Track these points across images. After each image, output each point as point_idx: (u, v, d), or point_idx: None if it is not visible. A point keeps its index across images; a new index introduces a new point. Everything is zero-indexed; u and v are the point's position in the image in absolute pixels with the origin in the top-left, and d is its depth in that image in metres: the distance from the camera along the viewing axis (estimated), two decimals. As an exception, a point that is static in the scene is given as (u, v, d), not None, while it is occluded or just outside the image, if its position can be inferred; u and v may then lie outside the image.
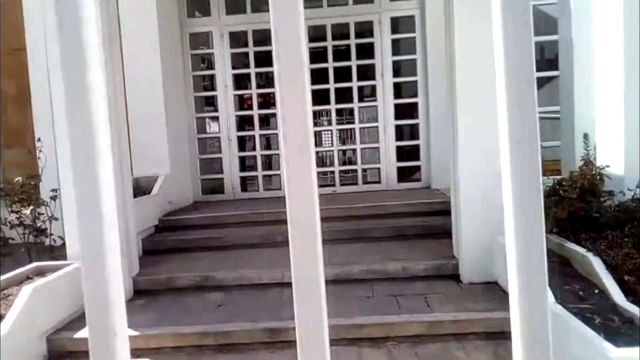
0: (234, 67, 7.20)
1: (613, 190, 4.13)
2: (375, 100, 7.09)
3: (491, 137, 4.09)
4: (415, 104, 7.03)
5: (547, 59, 8.17)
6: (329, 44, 6.99)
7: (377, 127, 7.11)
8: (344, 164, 7.47)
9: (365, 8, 6.95)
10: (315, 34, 6.92)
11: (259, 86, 7.32)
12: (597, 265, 3.39)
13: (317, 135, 7.30)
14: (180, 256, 5.09)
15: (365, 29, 7.08)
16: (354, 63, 7.04)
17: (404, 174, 7.16)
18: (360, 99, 7.21)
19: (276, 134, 7.32)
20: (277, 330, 3.56)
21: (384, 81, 7.01)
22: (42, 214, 4.85)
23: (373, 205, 5.74)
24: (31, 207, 4.78)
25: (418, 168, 7.13)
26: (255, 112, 7.28)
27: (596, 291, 3.27)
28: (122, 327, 0.51)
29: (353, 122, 7.20)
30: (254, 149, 7.38)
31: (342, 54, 7.08)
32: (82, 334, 3.63)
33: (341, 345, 3.39)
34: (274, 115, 7.37)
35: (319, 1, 6.91)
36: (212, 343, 3.57)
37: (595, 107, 4.91)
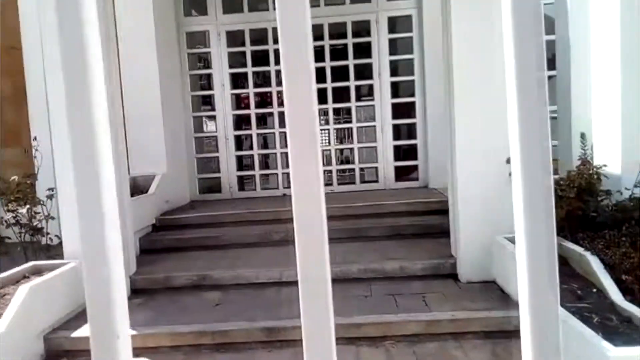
0: (231, 66, 7.19)
1: (610, 189, 4.14)
2: (372, 100, 7.09)
3: (490, 137, 4.11)
4: (412, 104, 7.03)
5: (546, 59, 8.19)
6: (326, 43, 6.98)
7: (374, 126, 7.11)
8: (342, 163, 7.47)
9: (363, 7, 6.94)
10: (313, 33, 6.88)
11: (256, 85, 7.31)
12: (595, 264, 3.39)
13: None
14: (178, 255, 5.08)
15: (362, 29, 7.07)
16: (351, 62, 7.03)
17: (402, 173, 7.16)
18: (358, 98, 7.20)
19: (273, 133, 7.32)
20: (274, 330, 3.55)
21: (382, 80, 7.01)
22: (39, 213, 4.83)
23: (371, 205, 5.74)
24: (27, 206, 4.76)
25: (415, 167, 7.13)
26: (253, 111, 7.27)
27: (594, 290, 3.27)
28: (124, 329, 0.50)
29: (350, 122, 7.20)
30: (251, 148, 7.37)
31: (339, 53, 7.07)
32: (79, 333, 3.62)
33: (339, 345, 3.36)
34: (271, 114, 7.36)
35: (316, 0, 6.90)
36: (210, 342, 3.56)
37: (593, 107, 4.92)
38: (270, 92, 7.28)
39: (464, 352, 3.30)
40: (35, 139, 5.19)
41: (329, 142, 7.37)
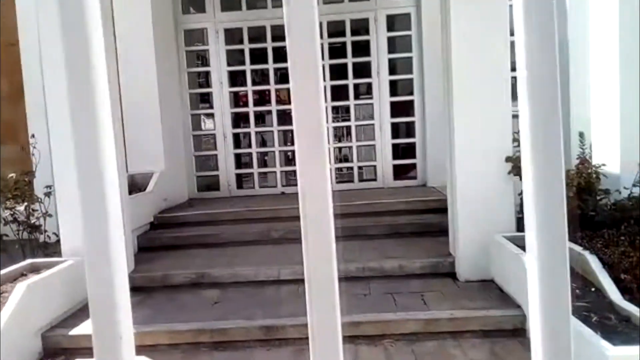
0: (229, 64, 7.17)
1: (609, 188, 4.15)
2: (371, 98, 7.07)
3: (490, 136, 4.11)
4: (411, 102, 7.03)
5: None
6: (325, 41, 6.97)
7: (373, 124, 7.10)
8: (340, 161, 7.46)
9: (361, 5, 6.93)
10: (312, 30, 6.88)
11: (254, 83, 7.29)
12: (594, 263, 3.40)
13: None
14: (176, 253, 5.07)
15: (361, 27, 7.06)
16: (349, 60, 7.02)
17: (400, 172, 7.16)
18: (356, 97, 7.19)
19: (272, 131, 7.30)
20: (273, 328, 3.55)
21: (380, 79, 6.99)
22: (36, 210, 4.82)
23: (369, 203, 5.73)
24: (25, 203, 4.75)
25: (414, 166, 7.13)
26: (251, 109, 7.25)
27: (593, 289, 3.28)
28: (127, 330, 0.49)
29: (349, 120, 7.19)
30: (249, 146, 7.35)
31: (338, 51, 7.05)
32: (77, 331, 3.61)
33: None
34: (269, 112, 7.35)
35: (315, -2, 6.87)
36: (208, 340, 3.55)
37: (591, 106, 4.93)
38: (269, 90, 7.26)
39: (463, 351, 3.30)
40: (33, 136, 5.17)
41: (328, 140, 7.31)
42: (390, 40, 7.01)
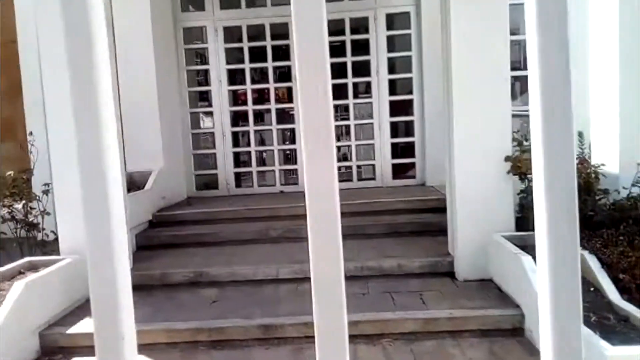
0: (228, 62, 7.15)
1: (608, 188, 4.15)
2: (370, 97, 7.07)
3: (489, 136, 4.11)
4: (410, 101, 7.02)
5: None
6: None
7: (372, 123, 7.09)
8: (339, 160, 7.46)
9: (361, 4, 6.92)
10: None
11: (253, 81, 7.27)
12: (593, 263, 3.40)
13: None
14: (174, 252, 5.06)
15: (360, 25, 7.05)
16: (349, 59, 7.01)
17: (399, 171, 7.16)
18: (355, 96, 7.19)
19: (270, 130, 7.29)
20: (271, 327, 3.55)
21: (379, 78, 6.99)
22: (34, 208, 4.81)
23: (368, 202, 5.73)
24: (23, 201, 4.73)
25: (413, 165, 7.12)
26: (250, 108, 7.24)
27: (591, 289, 3.28)
28: (130, 331, 0.49)
29: (348, 119, 7.17)
30: (248, 144, 7.34)
31: (337, 50, 7.04)
32: (75, 329, 3.60)
33: (336, 342, 3.37)
34: (268, 111, 7.34)
35: (314, -4, 6.86)
36: (206, 339, 3.54)
37: (590, 106, 4.93)
38: (268, 89, 7.25)
39: (461, 351, 3.30)
40: (31, 133, 5.16)
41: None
42: (390, 39, 7.00)
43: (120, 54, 5.83)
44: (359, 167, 7.23)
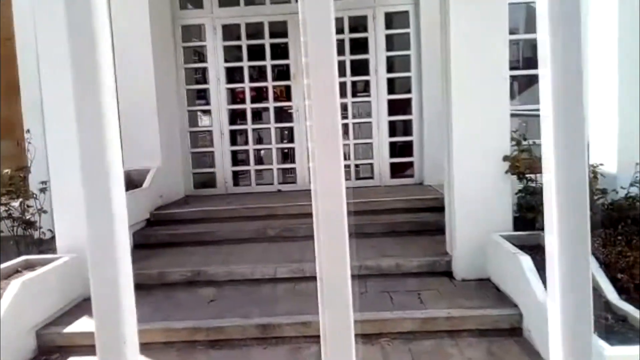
0: (226, 60, 7.13)
1: (606, 188, 4.15)
2: (368, 96, 7.06)
3: (488, 135, 4.11)
4: (408, 100, 7.02)
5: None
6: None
7: (370, 122, 7.08)
8: (337, 159, 7.43)
9: (360, 2, 6.91)
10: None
11: (251, 80, 7.26)
12: (591, 263, 3.39)
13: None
14: (172, 251, 5.04)
15: (359, 24, 7.04)
16: (347, 58, 6.99)
17: (397, 170, 7.15)
18: (354, 94, 7.18)
19: (269, 128, 7.28)
20: (269, 326, 3.54)
21: (378, 77, 6.98)
22: (31, 206, 4.79)
23: (366, 201, 5.72)
24: (20, 199, 4.71)
25: (411, 164, 7.12)
26: (248, 106, 7.22)
27: (590, 289, 3.27)
28: (132, 334, 0.48)
29: (346, 117, 7.16)
30: (246, 143, 7.32)
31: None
32: (72, 328, 3.59)
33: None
34: (266, 109, 7.32)
35: (313, -5, 6.84)
36: (204, 339, 3.53)
37: (589, 105, 4.93)
38: (266, 87, 7.23)
39: (460, 350, 3.30)
40: (28, 131, 5.14)
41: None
42: (389, 38, 7.00)
43: (119, 51, 5.80)
44: (357, 166, 7.22)
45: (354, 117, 7.17)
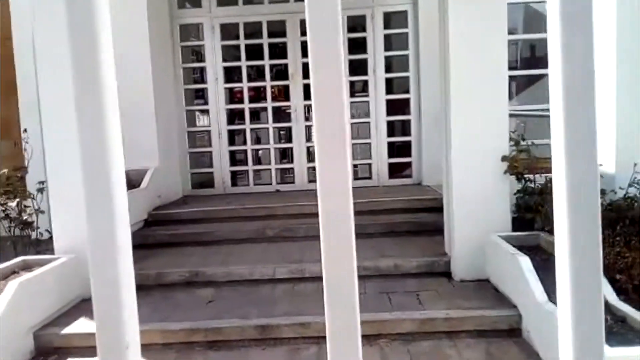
0: (224, 60, 7.12)
1: (605, 188, 4.15)
2: (367, 96, 7.06)
3: (487, 135, 4.10)
4: (407, 100, 7.01)
5: (538, 57, 8.21)
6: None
7: (368, 122, 7.08)
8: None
9: (358, 2, 6.90)
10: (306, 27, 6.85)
11: (250, 79, 7.25)
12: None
13: (308, 130, 7.26)
14: (170, 251, 5.03)
15: (357, 24, 7.03)
16: (345, 58, 6.97)
17: (395, 170, 7.15)
18: (352, 94, 7.18)
19: (267, 128, 7.27)
20: (268, 327, 3.53)
21: (376, 76, 6.98)
22: (29, 206, 4.77)
23: (364, 202, 5.71)
24: (17, 199, 4.69)
25: (409, 164, 7.12)
26: (246, 106, 7.21)
27: (589, 290, 3.27)
28: (134, 339, 0.47)
29: (344, 118, 7.15)
30: (244, 143, 7.31)
31: (334, 48, 7.01)
32: (70, 329, 3.57)
33: (333, 343, 3.36)
34: (264, 109, 7.31)
35: (311, -5, 6.84)
36: (202, 340, 3.52)
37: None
38: (265, 87, 7.22)
39: (458, 351, 3.29)
40: (25, 131, 5.12)
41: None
42: (387, 38, 6.99)
43: (116, 51, 5.67)
44: (355, 166, 7.21)
45: (352, 117, 7.16)
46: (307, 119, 7.20)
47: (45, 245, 4.58)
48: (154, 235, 5.36)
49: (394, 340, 3.45)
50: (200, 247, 5.11)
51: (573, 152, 0.43)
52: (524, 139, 4.39)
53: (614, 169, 4.42)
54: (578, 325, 0.43)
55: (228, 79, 7.23)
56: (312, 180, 7.12)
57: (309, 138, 7.25)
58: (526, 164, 4.23)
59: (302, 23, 6.80)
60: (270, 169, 7.24)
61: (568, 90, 0.42)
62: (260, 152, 7.47)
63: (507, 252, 3.69)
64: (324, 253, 0.50)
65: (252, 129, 7.28)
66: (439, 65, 4.42)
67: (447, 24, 4.10)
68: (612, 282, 3.26)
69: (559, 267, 0.46)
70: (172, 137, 6.76)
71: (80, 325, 3.60)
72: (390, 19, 7.02)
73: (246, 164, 7.27)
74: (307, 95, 7.00)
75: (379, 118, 7.02)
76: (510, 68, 4.35)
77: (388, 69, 7.05)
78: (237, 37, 7.08)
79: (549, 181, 4.39)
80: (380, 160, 7.06)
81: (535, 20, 7.28)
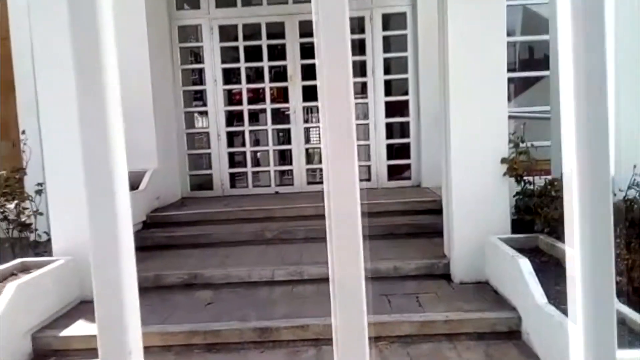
0: (223, 61, 7.11)
1: (604, 191, 4.14)
2: (366, 98, 7.05)
3: (486, 137, 4.10)
4: (406, 102, 7.02)
5: (536, 59, 8.22)
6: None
7: (367, 124, 7.07)
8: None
9: (357, 4, 6.90)
10: (306, 29, 6.86)
11: (248, 81, 7.24)
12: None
13: (307, 132, 7.26)
14: (169, 253, 5.01)
15: (356, 25, 7.03)
16: (345, 59, 6.97)
17: (394, 172, 7.14)
18: (351, 96, 7.16)
19: (266, 130, 7.26)
20: (267, 330, 3.51)
21: (375, 78, 6.97)
22: (27, 208, 4.75)
23: (363, 203, 5.63)
24: (15, 201, 4.67)
25: (408, 166, 7.11)
26: (245, 108, 7.20)
27: (588, 292, 3.27)
28: (137, 344, 0.46)
29: (343, 119, 7.15)
30: (243, 145, 7.30)
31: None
32: (68, 332, 3.56)
33: (332, 345, 3.34)
34: (263, 111, 7.30)
35: (310, -4, 6.84)
36: (201, 342, 3.51)
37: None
38: (263, 88, 7.22)
39: (458, 353, 3.28)
40: (23, 132, 5.10)
41: (320, 140, 7.36)
42: (386, 40, 7.00)
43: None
44: (354, 168, 7.19)
45: (351, 118, 7.14)
46: (306, 120, 7.20)
47: (43, 247, 4.57)
48: (153, 237, 5.34)
49: (393, 342, 3.44)
50: (199, 249, 5.10)
51: (585, 150, 0.43)
52: (523, 141, 4.39)
53: (614, 170, 4.41)
54: (590, 331, 0.43)
55: (227, 81, 7.22)
56: (311, 182, 7.12)
57: (307, 140, 7.25)
58: (526, 166, 4.22)
59: (301, 25, 6.80)
60: (269, 171, 7.23)
61: (580, 93, 0.41)
62: (259, 154, 7.46)
63: (507, 254, 3.69)
64: (331, 254, 0.49)
65: (251, 131, 7.27)
66: (438, 66, 4.41)
67: (446, 23, 4.10)
68: (612, 284, 3.25)
69: (570, 266, 0.45)
70: (171, 138, 6.75)
71: (79, 328, 3.58)
72: (389, 21, 7.03)
73: (245, 165, 7.26)
74: (306, 96, 7.00)
75: (377, 120, 7.02)
76: (509, 70, 4.35)
77: (387, 71, 7.05)
78: (236, 39, 7.07)
79: (548, 183, 4.39)
80: (379, 162, 7.06)
81: (533, 22, 7.29)
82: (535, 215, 4.21)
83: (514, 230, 4.22)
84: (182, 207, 6.24)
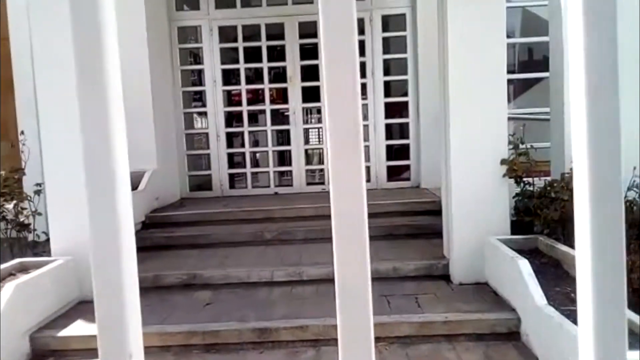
0: (223, 62, 7.11)
1: (603, 192, 4.14)
2: (365, 99, 7.05)
3: (486, 138, 4.10)
4: (405, 103, 7.02)
5: (536, 61, 8.23)
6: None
7: (367, 125, 7.07)
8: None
9: (357, 5, 6.83)
10: (305, 30, 6.86)
11: (248, 82, 7.24)
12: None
13: (307, 133, 7.26)
14: (167, 253, 5.01)
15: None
16: (345, 60, 6.97)
17: (394, 173, 7.14)
18: (351, 97, 7.16)
19: (265, 131, 7.26)
20: (266, 330, 3.51)
21: (375, 79, 6.97)
22: (26, 208, 4.74)
23: (363, 204, 5.70)
24: (14, 201, 4.67)
25: (407, 167, 7.11)
26: (245, 108, 7.20)
27: (588, 293, 3.26)
28: (138, 348, 0.45)
29: (343, 120, 7.14)
30: (242, 145, 7.30)
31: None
32: (66, 332, 3.55)
33: (331, 345, 3.34)
34: (262, 112, 7.30)
35: (309, -3, 6.86)
36: (200, 342, 3.50)
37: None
38: (263, 89, 7.21)
39: (457, 355, 3.28)
40: (22, 133, 5.10)
41: (321, 141, 7.38)
42: (385, 41, 7.00)
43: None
44: (353, 169, 7.19)
45: (350, 119, 7.14)
46: (306, 121, 7.20)
47: (42, 248, 4.56)
48: (152, 237, 5.33)
49: (392, 343, 3.44)
50: (198, 249, 5.09)
51: (595, 151, 0.42)
52: (522, 142, 4.39)
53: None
54: (600, 337, 0.42)
55: (226, 82, 7.22)
56: (311, 183, 7.12)
57: (307, 141, 7.25)
58: (525, 167, 4.22)
59: (301, 25, 6.80)
60: (268, 172, 7.23)
61: (591, 95, 0.41)
62: (258, 154, 7.46)
63: (506, 255, 3.69)
64: (336, 254, 0.49)
65: (250, 132, 7.27)
66: (438, 67, 4.41)
67: (446, 25, 4.10)
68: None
69: (580, 268, 0.45)
70: (170, 139, 6.75)
71: (77, 328, 3.58)
72: (388, 22, 7.03)
73: (244, 166, 7.26)
74: (305, 97, 7.00)
75: (377, 121, 7.02)
76: (508, 72, 4.35)
77: (386, 72, 7.06)
78: (235, 40, 7.07)
79: (548, 184, 4.39)
80: (378, 162, 7.06)
81: (533, 23, 7.30)
82: (535, 217, 4.21)
83: (513, 232, 4.22)
84: (181, 207, 6.24)
